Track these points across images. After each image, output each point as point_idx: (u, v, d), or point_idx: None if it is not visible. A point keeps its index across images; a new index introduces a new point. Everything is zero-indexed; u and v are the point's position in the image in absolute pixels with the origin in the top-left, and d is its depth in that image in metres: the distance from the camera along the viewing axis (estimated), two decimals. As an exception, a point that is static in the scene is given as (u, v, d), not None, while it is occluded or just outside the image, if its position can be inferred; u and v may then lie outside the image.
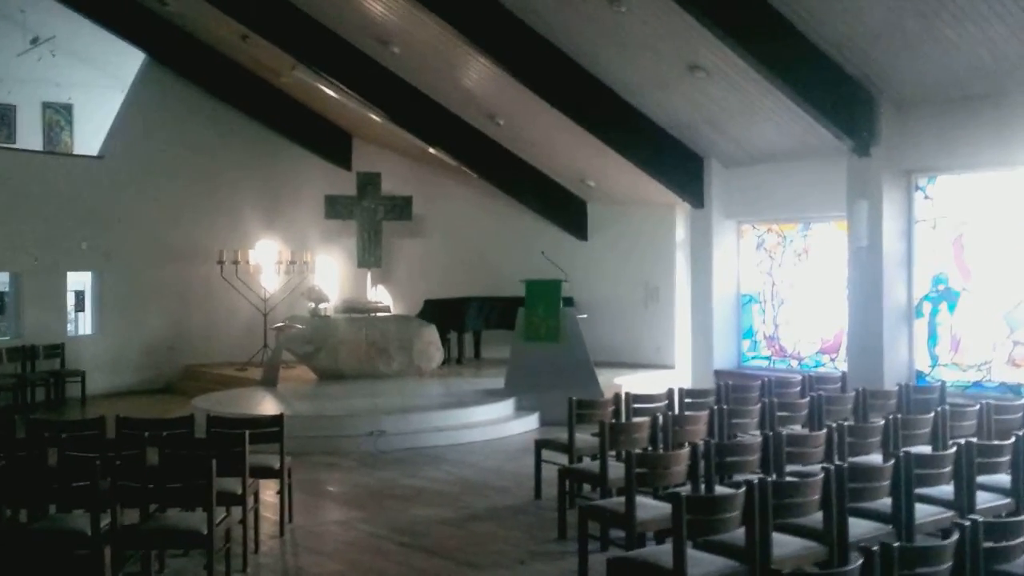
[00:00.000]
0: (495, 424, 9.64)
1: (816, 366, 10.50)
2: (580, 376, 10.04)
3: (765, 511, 3.97)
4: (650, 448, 5.95)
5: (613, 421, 6.40)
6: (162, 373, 13.60)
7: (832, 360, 10.42)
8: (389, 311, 13.54)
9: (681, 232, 12.61)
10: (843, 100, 8.64)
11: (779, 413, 6.43)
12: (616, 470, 5.65)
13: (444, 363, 12.59)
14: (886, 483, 4.52)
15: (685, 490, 4.94)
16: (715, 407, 6.31)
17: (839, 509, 4.26)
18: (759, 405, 6.46)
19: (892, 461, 4.59)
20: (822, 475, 4.26)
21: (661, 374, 12.00)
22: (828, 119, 8.72)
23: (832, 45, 8.19)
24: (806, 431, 6.39)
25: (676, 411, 6.79)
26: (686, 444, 5.87)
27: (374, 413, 9.38)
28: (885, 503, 4.61)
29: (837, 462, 4.72)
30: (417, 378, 11.90)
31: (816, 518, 4.30)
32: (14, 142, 13.98)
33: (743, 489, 3.95)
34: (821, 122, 8.79)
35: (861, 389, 6.94)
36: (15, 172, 12.50)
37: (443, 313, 12.93)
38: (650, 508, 4.83)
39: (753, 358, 11.28)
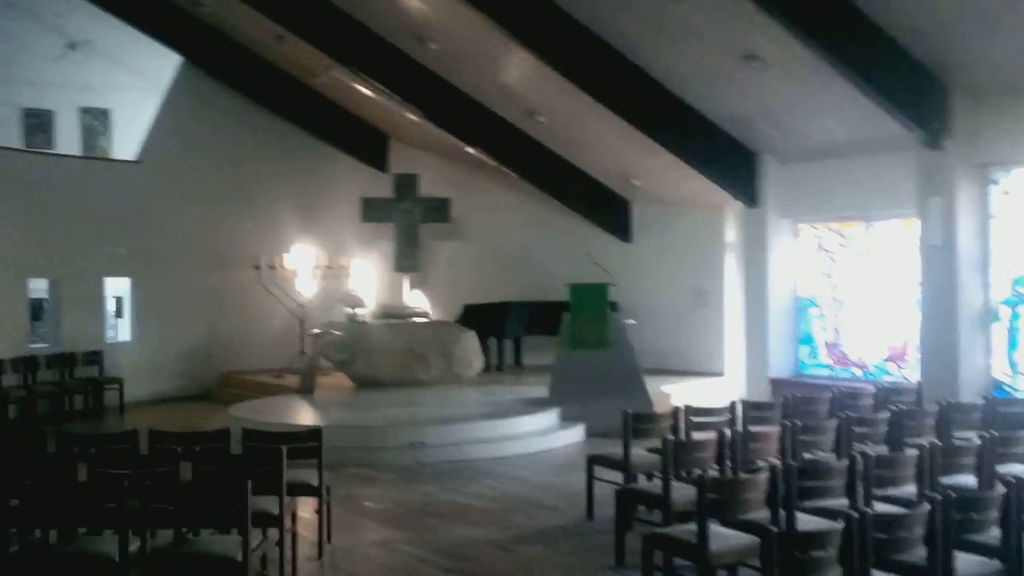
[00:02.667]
0: (540, 435, 9.21)
1: (881, 375, 9.88)
2: (628, 385, 9.58)
3: (865, 549, 3.50)
4: (717, 468, 5.48)
5: (672, 437, 5.92)
6: (199, 380, 13.40)
7: (900, 368, 9.79)
8: (427, 317, 13.19)
9: (731, 233, 12.04)
10: (913, 89, 8.09)
11: (855, 429, 5.91)
12: (679, 491, 5.20)
13: (484, 370, 12.21)
14: (994, 513, 4.01)
15: (760, 517, 4.48)
16: (785, 423, 5.81)
17: (945, 545, 3.76)
18: (833, 421, 5.93)
19: (1002, 489, 4.07)
20: (925, 507, 3.76)
21: (710, 382, 11.47)
22: (897, 109, 8.16)
23: (901, 30, 7.63)
24: (884, 449, 5.87)
25: (739, 426, 6.29)
26: (757, 464, 5.43)
27: (414, 423, 9.02)
28: (991, 535, 4.09)
29: (934, 491, 4.21)
30: (456, 386, 11.53)
31: (917, 553, 3.81)
32: (52, 147, 13.92)
33: (841, 524, 3.47)
34: (890, 112, 8.23)
35: (944, 403, 6.38)
36: (53, 178, 12.39)
37: (483, 318, 12.54)
38: (723, 539, 4.36)
39: (812, 366, 10.68)
